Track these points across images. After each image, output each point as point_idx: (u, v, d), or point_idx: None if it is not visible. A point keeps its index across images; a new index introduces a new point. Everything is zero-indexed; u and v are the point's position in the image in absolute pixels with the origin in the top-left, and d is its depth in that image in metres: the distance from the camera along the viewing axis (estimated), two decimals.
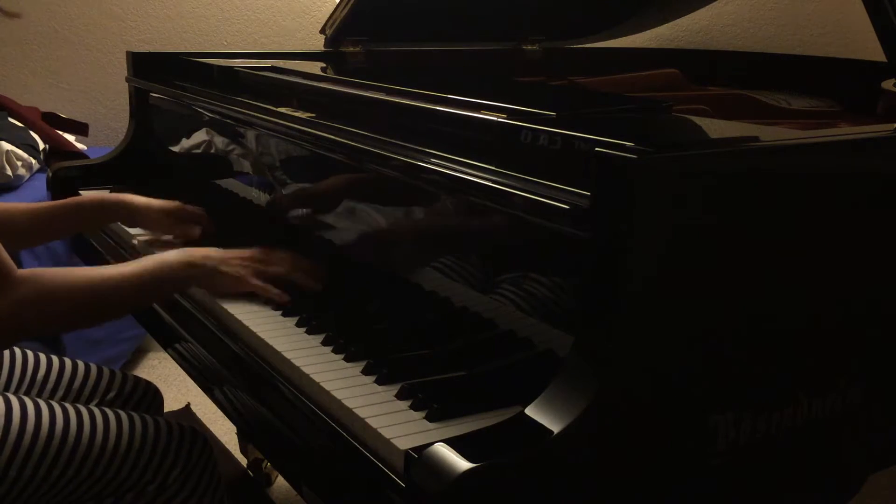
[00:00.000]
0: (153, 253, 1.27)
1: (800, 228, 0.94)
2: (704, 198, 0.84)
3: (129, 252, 1.51)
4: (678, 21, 2.31)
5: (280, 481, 2.04)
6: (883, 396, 1.06)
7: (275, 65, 1.68)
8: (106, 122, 3.07)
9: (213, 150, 1.69)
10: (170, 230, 1.48)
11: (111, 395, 1.42)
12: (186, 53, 1.88)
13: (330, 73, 1.81)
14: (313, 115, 1.35)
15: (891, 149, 1.06)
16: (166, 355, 1.48)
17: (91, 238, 1.67)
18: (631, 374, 0.81)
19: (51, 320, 1.12)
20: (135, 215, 1.49)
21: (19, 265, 1.06)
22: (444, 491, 0.73)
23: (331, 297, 1.23)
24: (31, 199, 2.30)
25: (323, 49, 1.90)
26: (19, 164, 2.41)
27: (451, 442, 0.76)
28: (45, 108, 2.78)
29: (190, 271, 1.20)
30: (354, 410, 0.91)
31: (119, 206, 1.48)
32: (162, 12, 3.03)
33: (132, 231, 1.57)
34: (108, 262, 1.52)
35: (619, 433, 0.81)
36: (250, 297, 1.23)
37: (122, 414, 1.22)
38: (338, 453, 0.92)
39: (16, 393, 1.31)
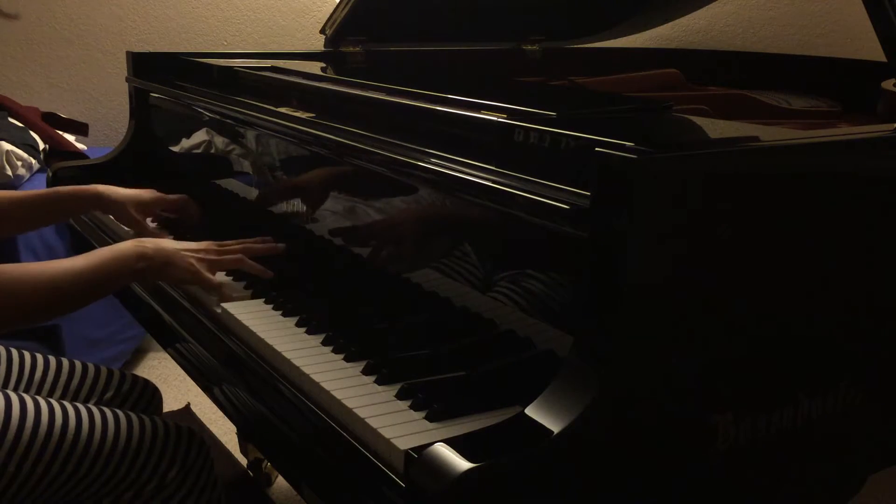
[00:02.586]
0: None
1: (799, 228, 0.94)
2: (704, 198, 0.84)
3: None
4: (678, 21, 2.32)
5: (280, 481, 2.04)
6: (883, 396, 1.06)
7: (275, 65, 1.68)
8: (106, 122, 3.06)
9: (213, 150, 1.69)
10: (140, 227, 1.48)
11: (109, 394, 1.42)
12: (186, 53, 1.88)
13: (330, 73, 1.80)
14: (313, 115, 1.35)
15: (891, 149, 1.06)
16: (166, 355, 1.48)
17: (90, 237, 1.67)
18: (631, 374, 0.81)
19: (9, 316, 1.12)
20: (108, 206, 1.50)
21: (17, 260, 1.06)
22: (444, 491, 0.73)
23: (331, 296, 1.23)
24: None
25: (323, 49, 1.90)
26: (19, 164, 2.40)
27: (451, 442, 0.76)
28: (45, 108, 2.78)
29: (142, 263, 1.20)
30: (354, 410, 0.91)
31: (93, 197, 1.49)
32: (162, 12, 3.03)
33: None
34: None
35: (619, 433, 0.80)
36: None
37: (120, 413, 1.22)
38: (338, 453, 0.92)
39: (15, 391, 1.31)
